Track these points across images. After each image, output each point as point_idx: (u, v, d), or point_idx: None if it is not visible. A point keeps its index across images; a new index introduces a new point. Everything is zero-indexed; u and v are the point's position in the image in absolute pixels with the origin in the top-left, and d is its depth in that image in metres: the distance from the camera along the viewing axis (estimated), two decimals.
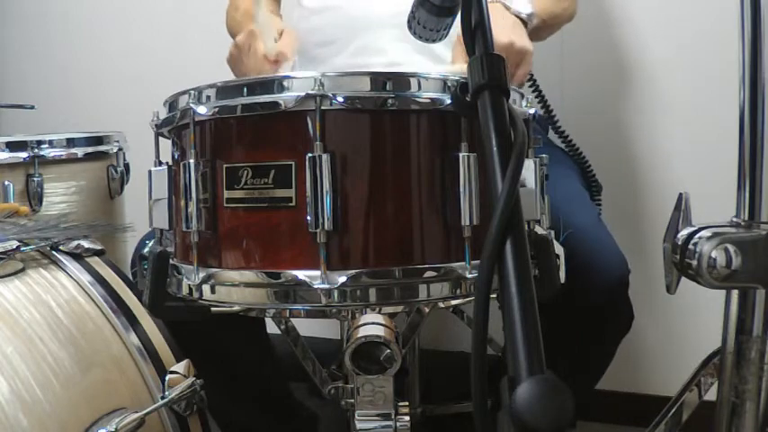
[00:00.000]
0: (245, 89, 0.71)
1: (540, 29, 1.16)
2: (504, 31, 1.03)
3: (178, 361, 0.90)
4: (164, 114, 0.80)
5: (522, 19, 1.09)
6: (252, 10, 1.19)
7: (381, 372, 0.71)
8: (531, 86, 1.20)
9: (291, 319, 0.95)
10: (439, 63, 1.15)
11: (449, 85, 0.70)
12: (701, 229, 0.64)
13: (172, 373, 0.87)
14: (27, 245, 0.93)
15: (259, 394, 1.26)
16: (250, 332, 1.18)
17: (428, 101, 0.69)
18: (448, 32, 0.73)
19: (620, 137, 1.59)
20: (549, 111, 1.22)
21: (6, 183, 1.23)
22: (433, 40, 0.73)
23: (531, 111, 0.78)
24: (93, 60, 2.07)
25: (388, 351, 0.70)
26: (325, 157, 0.66)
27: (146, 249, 0.81)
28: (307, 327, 1.42)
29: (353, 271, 0.67)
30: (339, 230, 0.67)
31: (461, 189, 0.68)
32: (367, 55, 1.19)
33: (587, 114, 1.59)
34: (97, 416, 0.80)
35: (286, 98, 0.69)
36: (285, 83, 0.70)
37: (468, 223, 0.68)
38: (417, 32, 0.73)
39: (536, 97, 1.20)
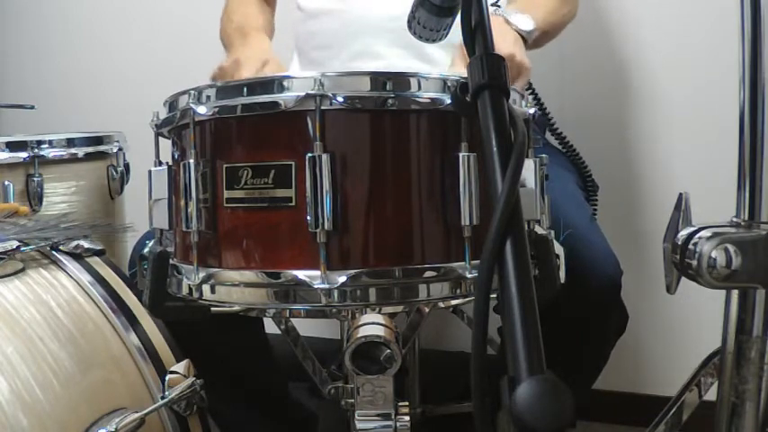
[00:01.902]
0: (245, 89, 0.71)
1: (539, 39, 1.16)
2: (507, 43, 1.04)
3: (178, 361, 0.90)
4: (164, 114, 0.80)
5: (522, 36, 1.10)
6: (243, 25, 1.20)
7: (381, 372, 0.71)
8: (527, 87, 1.20)
9: (291, 319, 0.95)
10: (436, 67, 1.16)
11: (449, 85, 0.70)
12: (701, 229, 0.64)
13: (172, 373, 0.87)
14: (27, 245, 0.93)
15: (258, 394, 1.26)
16: (249, 332, 1.18)
17: (428, 101, 0.69)
18: (448, 32, 0.73)
19: (621, 136, 1.59)
20: (545, 112, 1.22)
21: (6, 183, 1.23)
22: (433, 40, 0.73)
23: (531, 111, 0.78)
24: (93, 60, 2.07)
25: (388, 351, 0.70)
26: (325, 157, 0.66)
27: (146, 249, 0.81)
28: (307, 327, 1.42)
29: (353, 271, 0.67)
30: (339, 230, 0.67)
31: (461, 189, 0.68)
32: (364, 59, 1.19)
33: (587, 114, 1.60)
34: (97, 416, 0.80)
35: (286, 98, 0.68)
36: (285, 83, 0.70)
37: (468, 223, 0.68)
38: (417, 32, 0.73)
39: (532, 98, 1.20)
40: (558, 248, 0.77)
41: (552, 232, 0.77)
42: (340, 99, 0.67)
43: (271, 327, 1.13)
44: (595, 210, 1.22)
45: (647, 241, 1.53)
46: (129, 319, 0.91)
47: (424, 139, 0.71)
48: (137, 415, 0.80)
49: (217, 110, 0.72)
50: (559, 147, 1.27)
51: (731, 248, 0.61)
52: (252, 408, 1.25)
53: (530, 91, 1.20)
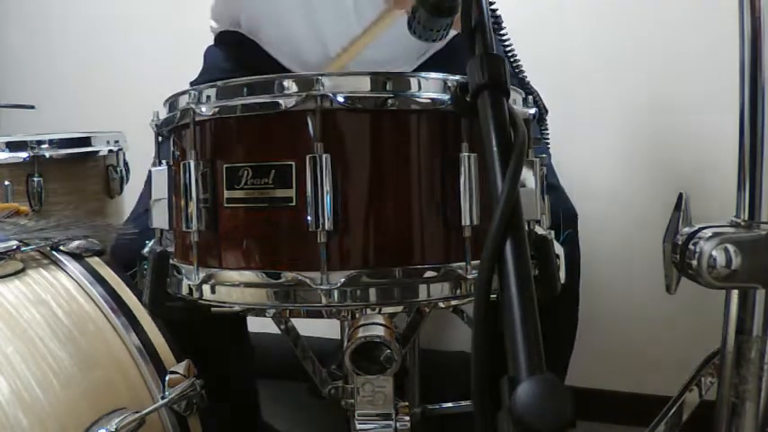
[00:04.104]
0: (246, 89, 0.71)
1: None
2: None
3: (178, 361, 0.90)
4: (164, 114, 0.80)
5: None
6: None
7: (381, 372, 0.71)
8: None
9: (291, 319, 0.95)
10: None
11: (449, 85, 0.70)
12: (701, 229, 0.64)
13: (172, 373, 0.87)
14: (27, 245, 0.93)
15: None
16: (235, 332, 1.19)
17: (428, 101, 0.69)
18: (448, 32, 0.73)
19: (621, 137, 1.59)
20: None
21: (6, 183, 1.23)
22: (434, 40, 0.73)
23: (532, 111, 0.78)
24: (93, 60, 2.07)
25: (388, 351, 0.70)
26: (325, 157, 0.66)
27: (146, 249, 0.81)
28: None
29: (353, 271, 0.67)
30: (339, 230, 0.67)
31: (462, 189, 0.68)
32: None
33: (587, 113, 1.60)
34: (97, 416, 0.80)
35: (286, 98, 0.69)
36: (285, 83, 0.70)
37: (468, 223, 0.68)
38: (417, 32, 0.73)
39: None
40: (558, 248, 0.77)
41: (552, 232, 0.78)
42: (340, 99, 0.67)
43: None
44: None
45: (647, 241, 1.53)
46: (129, 319, 0.91)
47: (424, 139, 0.71)
48: (137, 415, 0.80)
49: (217, 110, 0.72)
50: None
51: (731, 248, 0.61)
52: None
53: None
